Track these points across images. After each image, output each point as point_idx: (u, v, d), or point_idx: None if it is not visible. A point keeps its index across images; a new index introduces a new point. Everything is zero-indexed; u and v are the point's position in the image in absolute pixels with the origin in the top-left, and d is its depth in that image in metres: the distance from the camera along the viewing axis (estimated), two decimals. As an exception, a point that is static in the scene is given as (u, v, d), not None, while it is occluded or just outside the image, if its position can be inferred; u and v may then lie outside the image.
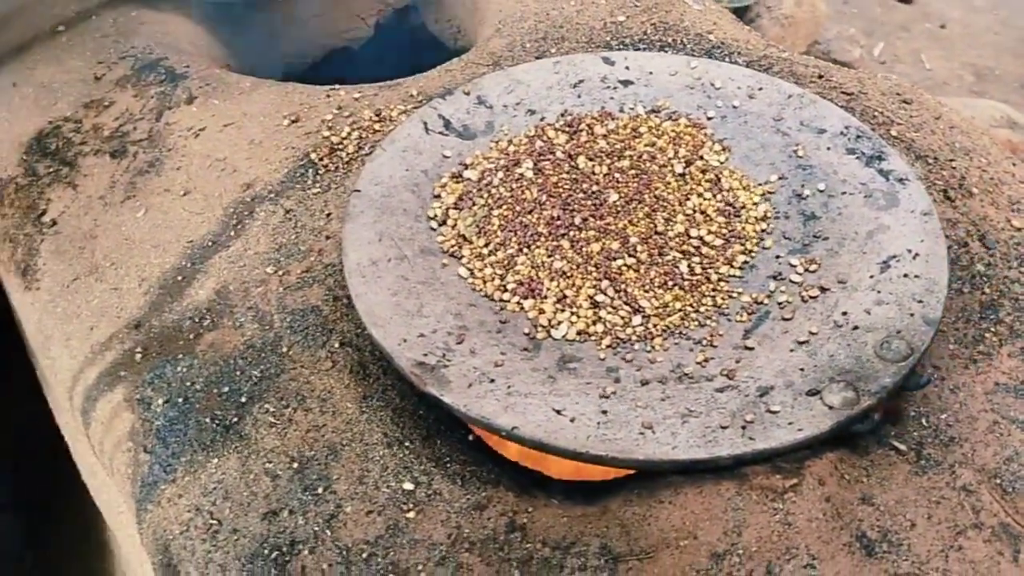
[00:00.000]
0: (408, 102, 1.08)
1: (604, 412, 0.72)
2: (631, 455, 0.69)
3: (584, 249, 0.85)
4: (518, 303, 0.83)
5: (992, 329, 0.83)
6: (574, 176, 0.92)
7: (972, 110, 1.88)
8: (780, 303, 0.82)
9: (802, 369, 0.75)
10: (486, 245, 0.87)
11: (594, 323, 0.81)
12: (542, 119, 1.01)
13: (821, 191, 0.91)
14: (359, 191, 0.90)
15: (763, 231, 0.89)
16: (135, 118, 1.11)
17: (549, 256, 0.85)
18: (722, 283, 0.84)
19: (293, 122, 1.06)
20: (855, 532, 0.68)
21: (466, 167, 0.95)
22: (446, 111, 1.00)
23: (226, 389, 0.82)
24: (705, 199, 0.90)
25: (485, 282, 0.85)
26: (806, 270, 0.84)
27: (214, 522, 0.74)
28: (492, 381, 0.75)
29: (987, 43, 2.71)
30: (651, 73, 1.05)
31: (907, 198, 0.87)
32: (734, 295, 0.83)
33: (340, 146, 1.02)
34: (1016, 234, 0.91)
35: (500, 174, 0.93)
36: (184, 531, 0.74)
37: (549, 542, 0.69)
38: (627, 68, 1.05)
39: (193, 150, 1.05)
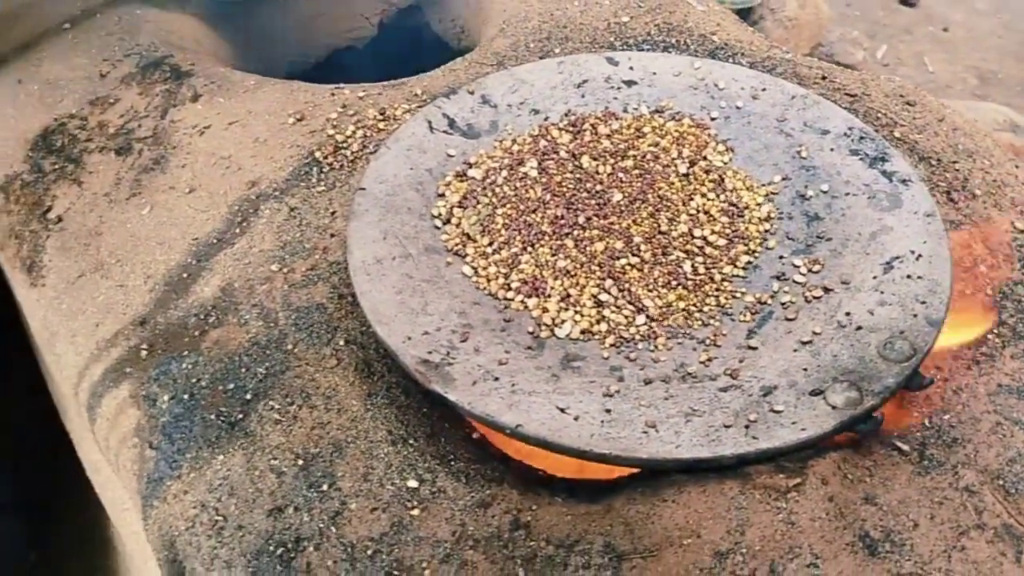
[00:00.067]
0: (412, 101, 1.08)
1: (608, 411, 0.73)
2: (635, 454, 0.69)
3: (588, 248, 0.85)
4: (522, 302, 0.83)
5: (995, 331, 0.83)
6: (578, 176, 0.92)
7: (975, 113, 1.88)
8: (783, 303, 0.82)
9: (805, 369, 0.75)
10: (490, 244, 0.87)
11: (598, 322, 0.81)
12: (546, 119, 1.01)
13: (824, 192, 0.91)
14: (364, 189, 0.90)
15: (766, 231, 0.89)
16: (140, 116, 1.11)
17: (553, 255, 0.85)
18: (725, 283, 0.84)
19: (298, 120, 1.06)
20: (858, 532, 0.68)
21: (470, 166, 0.95)
22: (450, 110, 1.00)
23: (231, 386, 0.82)
24: (709, 199, 0.91)
25: (489, 280, 0.85)
26: (809, 270, 0.84)
27: (219, 518, 0.74)
28: (496, 379, 0.75)
29: (990, 46, 2.71)
30: (655, 73, 1.05)
31: (910, 199, 0.87)
32: (737, 295, 0.83)
33: (345, 144, 1.03)
34: (1019, 236, 0.91)
35: (504, 173, 0.93)
36: (190, 527, 0.74)
37: (553, 540, 0.69)
38: (631, 68, 1.06)
39: (198, 148, 1.05)
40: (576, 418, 0.72)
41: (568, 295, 0.83)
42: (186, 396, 0.82)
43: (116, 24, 1.26)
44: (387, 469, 0.74)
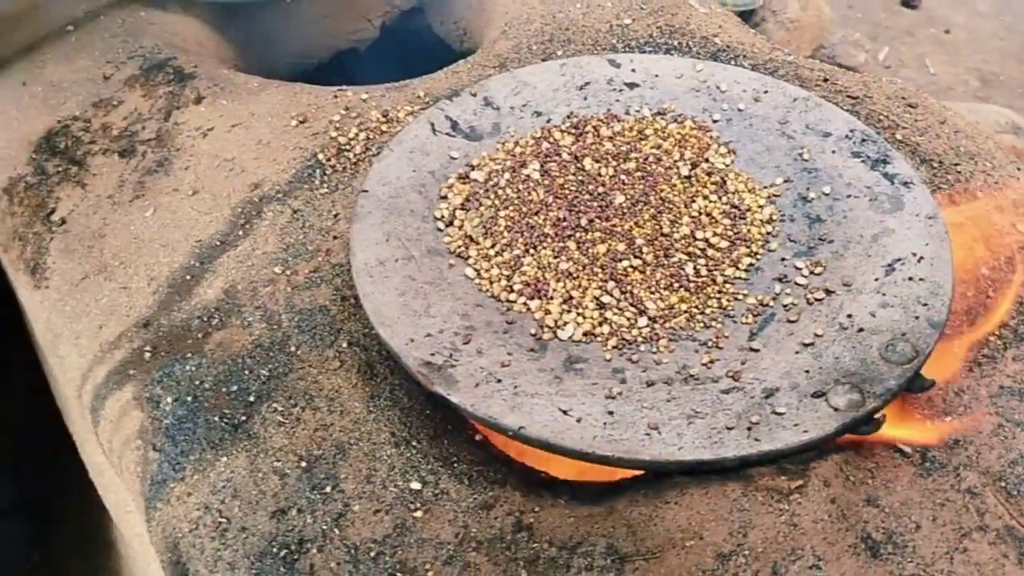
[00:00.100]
0: (415, 103, 1.08)
1: (610, 413, 0.73)
2: (637, 455, 0.69)
3: (590, 250, 0.86)
4: (524, 304, 0.83)
5: (997, 332, 0.83)
6: (580, 178, 0.92)
7: (977, 115, 1.88)
8: (785, 305, 0.82)
9: (807, 371, 0.75)
10: (493, 246, 0.87)
11: (600, 324, 0.81)
12: (548, 121, 1.01)
13: (826, 194, 0.91)
14: (366, 192, 0.91)
15: (768, 234, 0.89)
16: (144, 118, 1.12)
17: (555, 257, 0.85)
18: (728, 285, 0.84)
19: (301, 123, 1.07)
20: (860, 533, 0.69)
21: (473, 168, 0.96)
22: (453, 112, 1.01)
23: (235, 388, 0.82)
24: (711, 201, 0.91)
25: (492, 283, 0.85)
26: (811, 272, 0.85)
27: (223, 520, 0.74)
28: (499, 381, 0.75)
29: (992, 48, 2.71)
30: (657, 76, 1.05)
31: (912, 201, 0.87)
32: (739, 297, 0.83)
33: (347, 147, 1.03)
34: (1021, 238, 0.91)
35: (507, 175, 0.93)
36: (193, 529, 0.75)
37: (556, 542, 0.69)
38: (633, 71, 1.06)
39: (201, 150, 1.06)
40: (579, 420, 0.72)
41: (570, 297, 0.83)
42: (189, 398, 0.82)
43: (119, 26, 1.26)
44: (390, 471, 0.75)
